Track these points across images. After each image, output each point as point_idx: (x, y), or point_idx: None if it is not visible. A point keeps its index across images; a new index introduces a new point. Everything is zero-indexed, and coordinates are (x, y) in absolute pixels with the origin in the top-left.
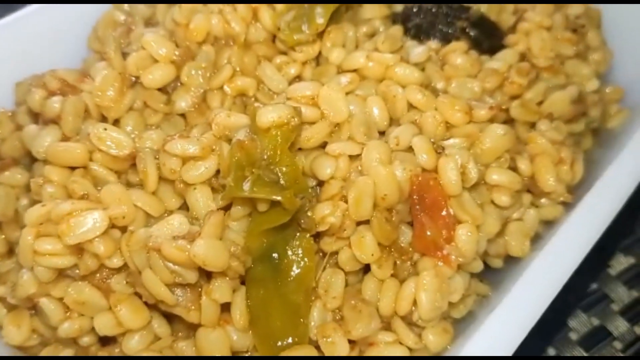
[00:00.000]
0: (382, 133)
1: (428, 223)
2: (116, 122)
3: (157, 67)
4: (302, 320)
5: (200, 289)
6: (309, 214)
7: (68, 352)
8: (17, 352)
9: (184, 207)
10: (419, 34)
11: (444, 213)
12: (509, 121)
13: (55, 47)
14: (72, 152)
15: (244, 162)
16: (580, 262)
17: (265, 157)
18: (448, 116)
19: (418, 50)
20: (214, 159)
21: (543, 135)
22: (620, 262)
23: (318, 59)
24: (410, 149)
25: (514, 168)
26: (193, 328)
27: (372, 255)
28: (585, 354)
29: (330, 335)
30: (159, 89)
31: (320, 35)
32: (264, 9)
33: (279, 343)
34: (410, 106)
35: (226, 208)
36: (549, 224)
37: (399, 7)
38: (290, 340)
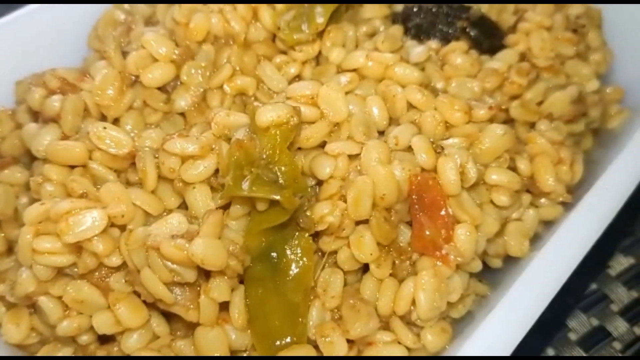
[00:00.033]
0: (381, 133)
1: (427, 223)
2: (116, 121)
3: (157, 66)
4: (300, 319)
5: (199, 288)
6: (308, 213)
7: (67, 350)
8: (16, 351)
9: (183, 206)
10: (419, 34)
11: (443, 213)
12: (509, 121)
13: (55, 46)
14: (71, 150)
15: (243, 162)
16: (579, 262)
17: (265, 156)
18: (447, 116)
19: (418, 50)
20: (213, 158)
21: (543, 136)
22: (620, 263)
23: (318, 59)
24: (409, 149)
25: (513, 168)
26: (192, 327)
27: (371, 254)
28: (584, 354)
29: (329, 334)
30: (159, 88)
31: (320, 34)
32: (264, 9)
33: (278, 342)
34: (410, 106)
35: (225, 207)
36: (548, 224)
37: (399, 7)
38: (288, 339)
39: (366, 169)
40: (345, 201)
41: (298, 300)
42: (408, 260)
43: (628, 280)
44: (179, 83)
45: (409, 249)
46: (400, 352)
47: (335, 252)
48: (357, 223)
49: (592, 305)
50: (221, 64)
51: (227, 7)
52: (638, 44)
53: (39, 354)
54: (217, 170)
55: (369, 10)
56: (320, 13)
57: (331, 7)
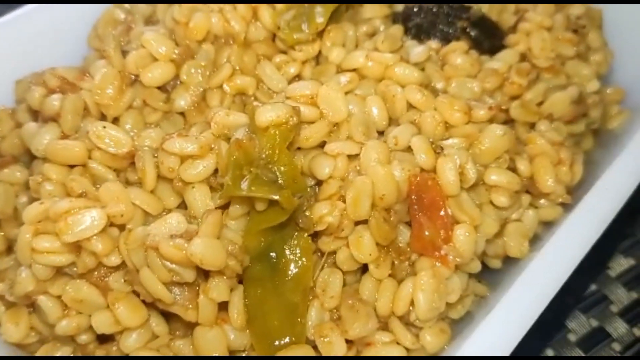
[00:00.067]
0: (381, 133)
1: (426, 223)
2: (115, 121)
3: (157, 66)
4: (299, 319)
5: (197, 288)
6: (307, 213)
7: (66, 349)
8: (15, 350)
9: (183, 205)
10: (420, 34)
11: (442, 213)
12: (509, 121)
13: (55, 45)
14: (70, 150)
15: (242, 161)
16: (578, 263)
17: (264, 156)
18: (447, 116)
19: (418, 50)
20: (213, 158)
21: (542, 136)
22: (620, 264)
23: (318, 58)
24: (409, 149)
25: (513, 169)
26: (191, 327)
27: (370, 255)
28: (583, 355)
29: (328, 334)
30: (159, 88)
31: (320, 34)
32: (264, 8)
33: (276, 342)
34: (410, 106)
35: (224, 207)
36: (548, 225)
37: (399, 7)
38: (287, 339)
39: (365, 169)
40: (344, 201)
41: (297, 301)
42: (407, 260)
43: (628, 282)
44: (178, 82)
45: (408, 249)
46: (399, 352)
47: (334, 252)
48: (356, 223)
49: (591, 306)
50: (221, 63)
51: (227, 7)
52: (639, 44)
53: (38, 353)
54: (216, 170)
55: (369, 10)
56: (320, 13)
57: (331, 6)
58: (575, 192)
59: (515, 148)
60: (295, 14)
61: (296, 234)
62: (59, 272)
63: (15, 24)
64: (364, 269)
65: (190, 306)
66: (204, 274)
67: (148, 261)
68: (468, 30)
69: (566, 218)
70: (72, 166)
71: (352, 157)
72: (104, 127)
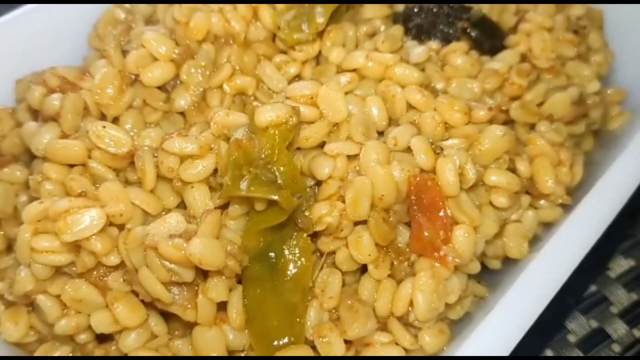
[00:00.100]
0: (380, 133)
1: (425, 224)
2: (115, 120)
3: (157, 66)
4: (298, 319)
5: (196, 288)
6: (307, 213)
7: (65, 349)
8: (15, 350)
9: (182, 205)
10: (420, 34)
11: (441, 214)
12: (509, 122)
13: (56, 44)
14: (70, 149)
15: (241, 161)
16: (578, 264)
17: (263, 156)
18: (447, 117)
19: (418, 51)
20: (212, 158)
21: (542, 137)
22: (620, 265)
23: (318, 59)
24: (408, 149)
25: (513, 169)
26: (190, 326)
27: (369, 255)
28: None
29: (327, 335)
30: (159, 87)
31: (320, 34)
32: (264, 8)
33: (275, 342)
34: (410, 106)
35: (224, 207)
36: (547, 226)
37: (399, 7)
38: (286, 339)
39: (365, 169)
40: (343, 202)
41: (296, 301)
42: (406, 261)
43: (628, 283)
44: (178, 82)
45: (408, 249)
46: (397, 353)
47: (333, 253)
48: (356, 223)
49: (591, 307)
50: (221, 63)
51: (227, 7)
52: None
53: (37, 353)
54: (216, 170)
55: (369, 10)
56: (321, 13)
57: (331, 7)
58: (576, 193)
59: (515, 149)
60: (295, 14)
61: (295, 234)
62: (58, 271)
63: (15, 23)
64: (363, 269)
65: (189, 306)
66: (203, 274)
67: (147, 261)
68: (468, 30)
69: (566, 219)
70: (72, 166)
71: (351, 158)
72: (104, 126)
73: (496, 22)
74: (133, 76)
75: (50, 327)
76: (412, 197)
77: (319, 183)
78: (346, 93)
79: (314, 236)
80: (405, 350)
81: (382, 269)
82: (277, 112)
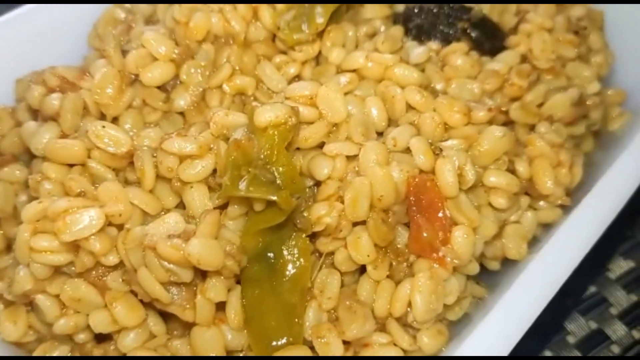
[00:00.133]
0: (380, 134)
1: (424, 225)
2: (115, 120)
3: (157, 65)
4: (297, 320)
5: (195, 288)
6: (305, 214)
7: (64, 348)
8: (14, 349)
9: (181, 205)
10: (420, 35)
11: (440, 215)
12: (509, 123)
13: (56, 44)
14: (70, 149)
15: (240, 162)
16: (577, 265)
17: (262, 156)
18: (446, 117)
19: (418, 51)
20: (211, 158)
21: (542, 138)
22: (620, 266)
23: (318, 59)
24: (408, 150)
25: (512, 170)
26: (188, 326)
27: (368, 256)
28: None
29: (325, 335)
30: (158, 87)
31: (320, 34)
32: (264, 8)
33: (274, 343)
34: (409, 107)
35: (223, 207)
36: (547, 227)
37: (400, 7)
38: (284, 340)
39: (364, 170)
40: (342, 202)
41: (294, 301)
42: (405, 262)
43: (627, 284)
44: (178, 82)
45: (406, 250)
46: (396, 353)
47: (332, 253)
48: (355, 224)
49: (591, 308)
50: (221, 63)
51: (227, 7)
52: None
53: (36, 352)
54: (215, 170)
55: (369, 10)
56: (320, 13)
57: (331, 7)
58: (576, 194)
59: (514, 150)
60: (295, 14)
61: (294, 234)
62: (57, 271)
63: (14, 23)
64: (362, 270)
65: (188, 306)
66: (202, 274)
67: (146, 261)
68: (469, 31)
69: (565, 219)
70: (71, 165)
71: (350, 158)
72: (103, 126)
73: (496, 22)
74: (133, 76)
75: (49, 326)
76: (411, 198)
77: (318, 183)
78: (346, 93)
79: (313, 237)
80: (404, 351)
81: (380, 270)
82: (276, 112)
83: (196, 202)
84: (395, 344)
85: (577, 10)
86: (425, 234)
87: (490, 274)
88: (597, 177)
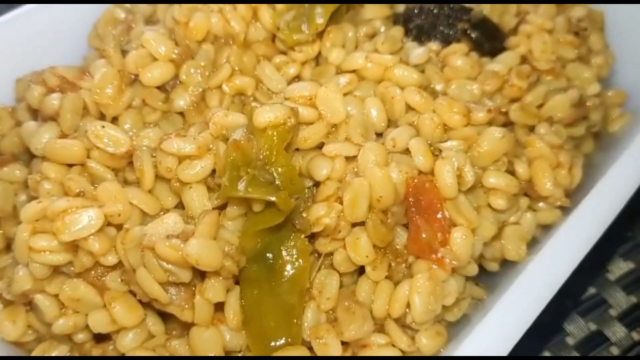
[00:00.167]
0: (379, 134)
1: (423, 225)
2: (115, 120)
3: (156, 66)
4: (295, 320)
5: (194, 288)
6: (304, 214)
7: (63, 348)
8: (13, 348)
9: (180, 205)
10: (420, 35)
11: (439, 216)
12: (509, 124)
13: (56, 44)
14: (69, 149)
15: (239, 162)
16: (576, 266)
17: (261, 157)
18: (446, 118)
19: (418, 52)
20: (210, 158)
21: (542, 139)
22: (620, 267)
23: (318, 59)
24: (407, 151)
25: (511, 171)
26: (187, 326)
27: (367, 257)
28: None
29: (323, 336)
30: (158, 87)
31: (320, 35)
32: (264, 9)
33: (272, 343)
34: (409, 108)
35: (222, 207)
36: (546, 228)
37: (400, 8)
38: (283, 340)
39: (363, 171)
40: (341, 203)
41: (293, 302)
42: (404, 262)
43: (627, 285)
44: (178, 82)
45: (405, 251)
46: (394, 354)
47: (331, 254)
48: (354, 225)
49: (590, 309)
50: (220, 63)
51: (227, 7)
52: None
53: (35, 352)
54: (214, 171)
55: (370, 10)
56: (320, 14)
57: (331, 7)
58: (575, 195)
59: (514, 151)
60: (295, 14)
61: (293, 235)
62: (56, 270)
63: (14, 23)
64: (361, 270)
65: (187, 306)
66: (200, 275)
67: (144, 261)
68: (469, 32)
69: (565, 220)
70: (70, 165)
71: (350, 159)
72: (103, 126)
73: (497, 23)
74: (132, 76)
75: (48, 326)
76: (410, 199)
77: (317, 184)
78: (345, 94)
79: (312, 237)
80: (402, 352)
81: (379, 271)
82: (275, 113)
83: (195, 202)
84: (393, 345)
85: (578, 11)
86: (424, 235)
87: (489, 275)
88: (597, 179)
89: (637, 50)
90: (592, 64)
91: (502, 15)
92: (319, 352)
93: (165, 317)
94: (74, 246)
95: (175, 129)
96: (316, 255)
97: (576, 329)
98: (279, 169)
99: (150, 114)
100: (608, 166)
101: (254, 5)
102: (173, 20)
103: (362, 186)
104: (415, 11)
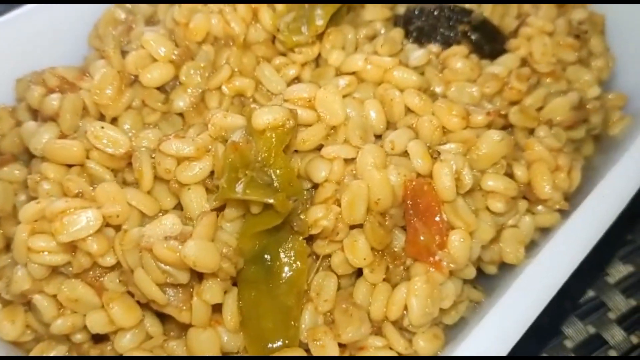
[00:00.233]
0: (378, 137)
1: (421, 228)
2: (114, 121)
3: (156, 66)
4: (293, 322)
5: (191, 290)
6: (302, 216)
7: (61, 348)
8: (11, 348)
9: (179, 206)
10: (421, 37)
11: (437, 219)
12: (508, 126)
13: (56, 44)
14: (68, 149)
15: (237, 164)
16: (575, 268)
17: (260, 159)
18: (445, 121)
19: (417, 54)
20: (209, 160)
21: (541, 142)
22: (619, 270)
23: (317, 61)
24: (405, 153)
25: (510, 174)
26: (185, 327)
27: (365, 259)
28: None
29: (321, 338)
30: (158, 88)
31: (320, 36)
32: (264, 10)
33: (270, 345)
34: (408, 110)
35: (221, 209)
36: (544, 231)
37: (401, 9)
38: (280, 342)
39: (361, 173)
40: (340, 205)
41: (291, 304)
42: (402, 265)
43: (626, 288)
44: (177, 83)
45: (403, 254)
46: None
47: (329, 256)
48: (352, 227)
49: (589, 312)
50: (220, 64)
51: (227, 8)
52: None
53: (33, 352)
54: (213, 172)
55: (370, 12)
56: (320, 15)
57: (331, 9)
58: (575, 198)
59: (513, 154)
60: (295, 16)
61: (291, 237)
62: (55, 271)
63: (15, 23)
64: (359, 273)
65: (184, 308)
66: (198, 276)
67: (142, 262)
68: (469, 34)
69: (564, 223)
70: (70, 166)
71: (348, 161)
72: (102, 127)
73: (497, 25)
74: (132, 77)
75: (46, 326)
76: (408, 202)
77: (315, 186)
78: (344, 96)
79: (310, 239)
80: (399, 354)
81: (377, 273)
82: (274, 114)
83: (193, 203)
84: (390, 348)
85: (578, 13)
86: (422, 238)
87: (487, 278)
88: (597, 181)
89: (638, 53)
90: (593, 67)
91: (503, 18)
92: (316, 354)
93: (163, 318)
94: (72, 247)
95: (175, 130)
96: (314, 257)
97: (575, 332)
98: (278, 171)
99: (149, 114)
100: (608, 169)
101: (254, 6)
102: (173, 21)
103: (360, 188)
104: (416, 13)
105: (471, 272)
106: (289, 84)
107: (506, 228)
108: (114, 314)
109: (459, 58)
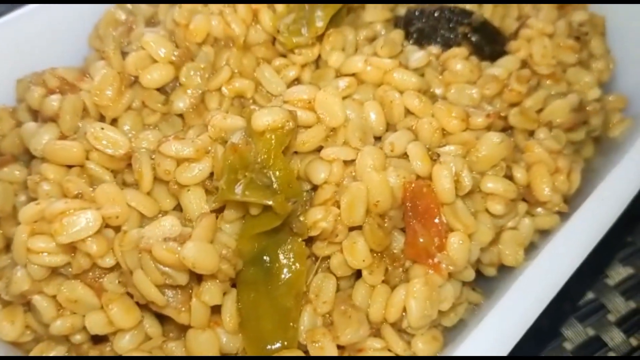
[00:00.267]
0: (378, 138)
1: (420, 230)
2: (114, 122)
3: (156, 67)
4: (292, 324)
5: (191, 291)
6: (302, 218)
7: (60, 349)
8: (11, 348)
9: (179, 208)
10: (421, 39)
11: (436, 221)
12: (508, 128)
13: (56, 44)
14: (68, 150)
15: (237, 165)
16: (574, 270)
17: (259, 160)
18: (444, 123)
19: (417, 55)
20: (208, 161)
21: (540, 144)
22: (619, 273)
23: (317, 62)
24: (405, 155)
25: (510, 176)
26: (184, 329)
27: (364, 261)
28: None
29: (320, 340)
30: (158, 89)
31: (320, 38)
32: (264, 11)
33: (269, 346)
34: (407, 112)
35: (220, 210)
36: (544, 234)
37: (401, 11)
38: (279, 344)
39: (361, 175)
40: (339, 207)
41: (290, 305)
42: (401, 267)
43: (626, 291)
44: (177, 84)
45: (402, 256)
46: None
47: (328, 258)
48: (351, 229)
49: (588, 314)
50: (220, 66)
51: (227, 9)
52: None
53: (33, 352)
54: (212, 173)
55: (370, 13)
56: (320, 17)
57: (331, 10)
58: (575, 200)
59: (512, 156)
60: (295, 17)
61: (290, 238)
62: (54, 272)
63: (15, 23)
64: (358, 274)
65: (183, 309)
66: (197, 277)
67: (142, 263)
68: (469, 35)
69: (564, 225)
70: (70, 166)
71: (348, 163)
72: (102, 128)
73: (497, 27)
74: (132, 78)
75: (45, 327)
76: (408, 204)
77: (315, 188)
78: (344, 98)
79: (309, 241)
80: (398, 356)
81: (376, 275)
82: (273, 116)
83: (193, 205)
84: (389, 350)
85: (579, 15)
86: (421, 240)
87: (486, 280)
88: (597, 183)
89: (638, 55)
90: (593, 69)
91: (503, 19)
92: (315, 356)
93: (162, 319)
94: (72, 248)
95: (175, 131)
96: (313, 258)
97: (574, 334)
98: (277, 173)
99: (149, 115)
100: (608, 171)
101: (254, 7)
102: (173, 22)
103: (359, 190)
104: (416, 14)
105: (470, 274)
106: (288, 86)
107: (505, 230)
108: (113, 315)
109: (459, 60)
